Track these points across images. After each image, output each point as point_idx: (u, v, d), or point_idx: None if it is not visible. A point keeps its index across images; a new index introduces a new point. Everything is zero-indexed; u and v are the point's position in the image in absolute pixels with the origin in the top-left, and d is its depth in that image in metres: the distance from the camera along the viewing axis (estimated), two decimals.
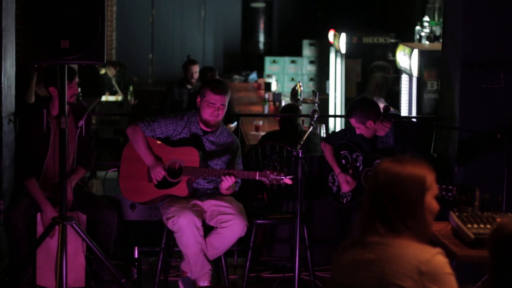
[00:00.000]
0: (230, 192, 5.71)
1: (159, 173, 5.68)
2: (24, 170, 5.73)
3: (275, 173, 5.48)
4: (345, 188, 5.94)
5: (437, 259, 2.75)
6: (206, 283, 5.65)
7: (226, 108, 5.80)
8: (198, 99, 5.81)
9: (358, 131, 5.92)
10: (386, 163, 2.84)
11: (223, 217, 5.59)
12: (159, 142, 5.79)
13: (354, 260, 2.83)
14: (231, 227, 5.56)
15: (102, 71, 12.64)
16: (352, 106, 5.96)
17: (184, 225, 5.46)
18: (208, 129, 5.85)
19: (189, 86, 10.05)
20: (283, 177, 5.46)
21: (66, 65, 5.10)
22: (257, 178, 5.53)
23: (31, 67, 6.89)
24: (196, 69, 10.07)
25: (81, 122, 5.80)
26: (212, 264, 5.68)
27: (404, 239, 2.78)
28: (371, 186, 2.85)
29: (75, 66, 7.99)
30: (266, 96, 11.62)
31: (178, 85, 10.13)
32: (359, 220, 2.89)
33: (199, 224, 5.52)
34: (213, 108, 5.74)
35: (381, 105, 5.93)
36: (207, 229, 5.63)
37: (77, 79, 5.73)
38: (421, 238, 2.80)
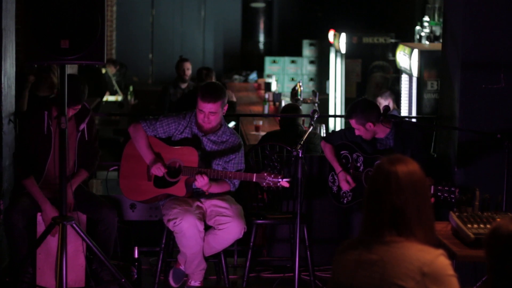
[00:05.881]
0: (217, 192, 5.67)
1: (158, 169, 5.65)
2: (23, 170, 5.70)
3: (272, 176, 5.45)
4: (345, 187, 5.93)
5: (440, 260, 2.75)
6: (197, 283, 5.66)
7: (220, 113, 5.70)
8: None
9: (357, 132, 5.90)
10: (398, 164, 2.82)
11: (220, 218, 5.58)
12: (159, 141, 5.78)
13: (355, 260, 2.83)
14: (228, 229, 5.55)
15: (103, 71, 12.64)
16: (352, 107, 5.93)
17: (185, 228, 5.46)
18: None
19: (183, 86, 10.07)
20: (280, 180, 5.43)
21: (66, 65, 5.09)
22: (254, 180, 5.52)
23: (29, 71, 6.90)
24: (188, 66, 10.13)
25: (83, 126, 5.77)
26: (207, 263, 5.68)
27: (408, 240, 2.78)
28: (379, 187, 2.84)
29: (75, 68, 8.01)
30: (266, 96, 11.63)
31: (173, 85, 10.16)
32: (361, 220, 2.89)
33: (201, 227, 5.52)
34: (202, 114, 5.70)
35: (386, 102, 5.90)
36: (206, 228, 5.62)
37: (79, 106, 5.69)
38: (429, 238, 2.80)
